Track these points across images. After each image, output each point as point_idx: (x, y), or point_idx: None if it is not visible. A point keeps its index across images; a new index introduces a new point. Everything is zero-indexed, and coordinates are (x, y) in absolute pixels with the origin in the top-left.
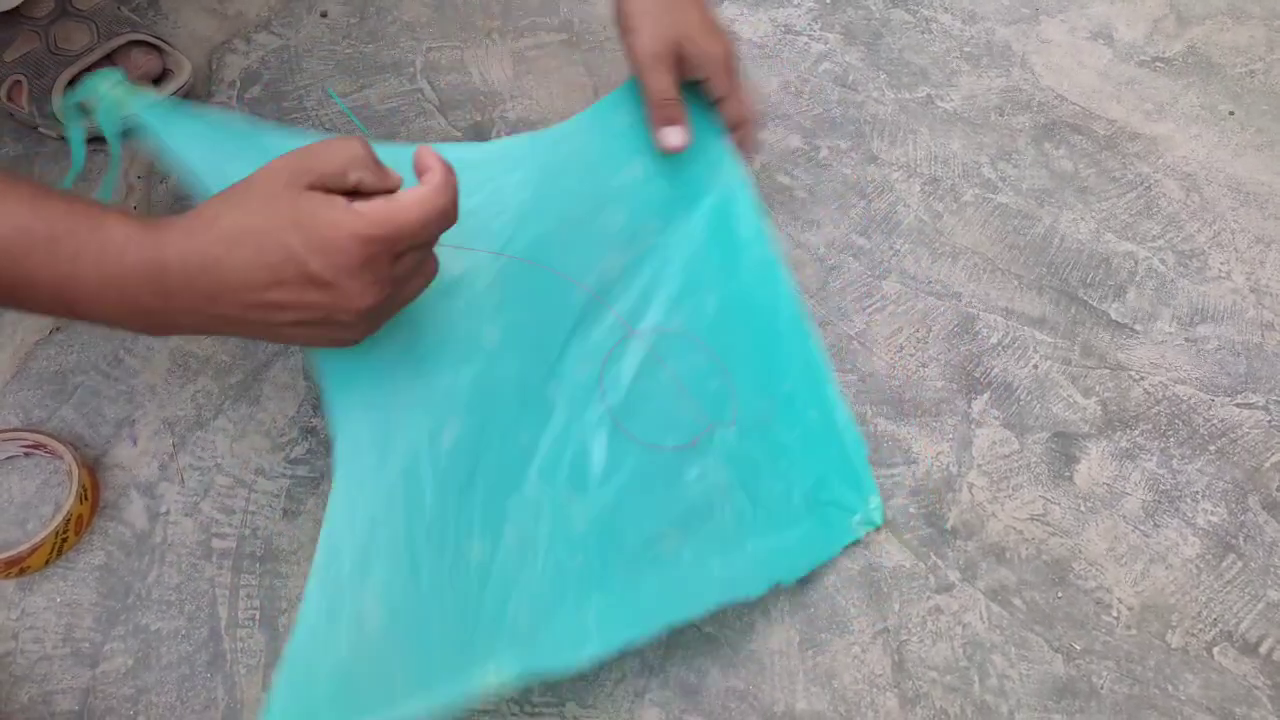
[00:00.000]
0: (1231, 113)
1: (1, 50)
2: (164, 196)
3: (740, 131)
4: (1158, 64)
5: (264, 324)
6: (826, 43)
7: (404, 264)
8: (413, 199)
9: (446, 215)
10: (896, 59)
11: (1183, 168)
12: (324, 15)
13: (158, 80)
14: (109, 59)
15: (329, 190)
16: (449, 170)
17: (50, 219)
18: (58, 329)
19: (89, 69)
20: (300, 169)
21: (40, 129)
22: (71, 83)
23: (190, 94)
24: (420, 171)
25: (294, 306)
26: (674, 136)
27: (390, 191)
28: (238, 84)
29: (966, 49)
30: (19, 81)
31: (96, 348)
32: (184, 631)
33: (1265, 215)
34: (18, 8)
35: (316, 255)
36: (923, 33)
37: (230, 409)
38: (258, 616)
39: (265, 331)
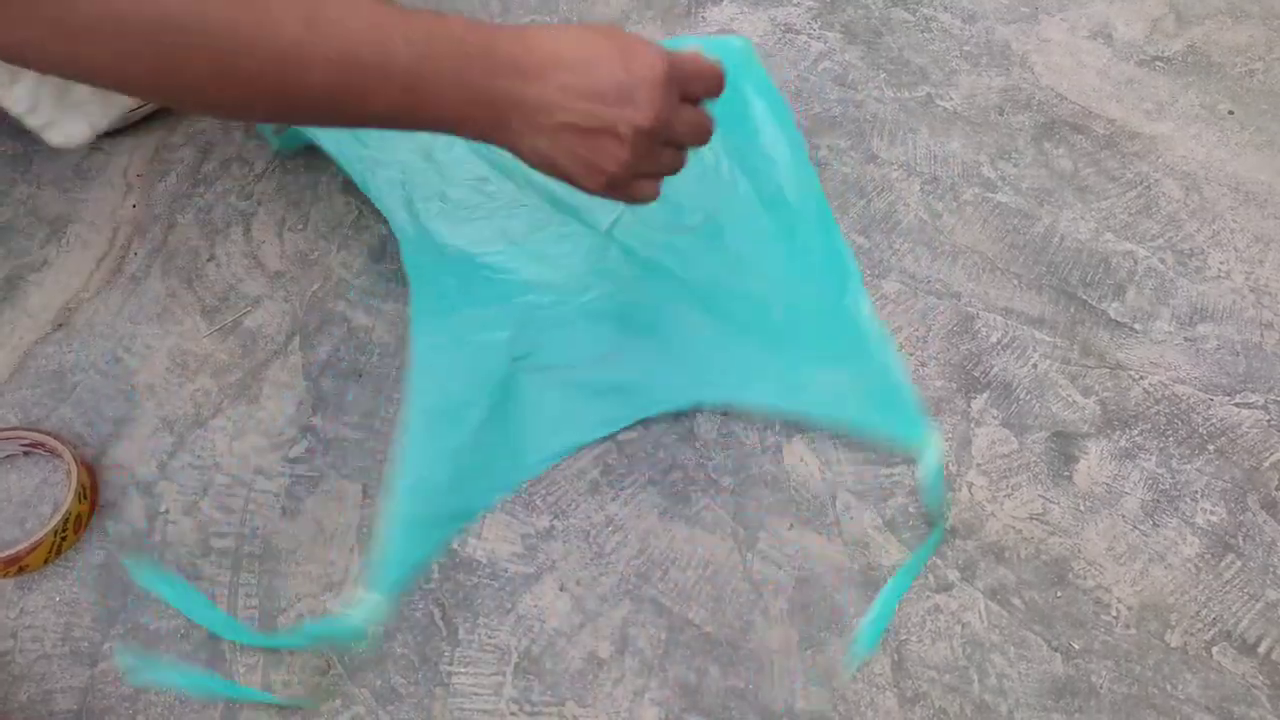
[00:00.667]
0: (1231, 112)
1: None
2: (163, 195)
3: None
4: (1157, 63)
5: (552, 122)
6: (826, 42)
7: (685, 112)
8: (706, 62)
9: (720, 86)
10: (896, 58)
11: (1182, 167)
12: None
13: None
14: None
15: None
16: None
17: (399, 14)
18: (58, 327)
19: None
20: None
21: None
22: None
23: None
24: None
25: (584, 108)
26: None
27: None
28: None
29: (966, 48)
30: None
31: (95, 346)
32: (183, 631)
33: (1265, 214)
34: None
35: (623, 63)
36: (922, 32)
37: (229, 408)
38: (257, 616)
39: (546, 132)
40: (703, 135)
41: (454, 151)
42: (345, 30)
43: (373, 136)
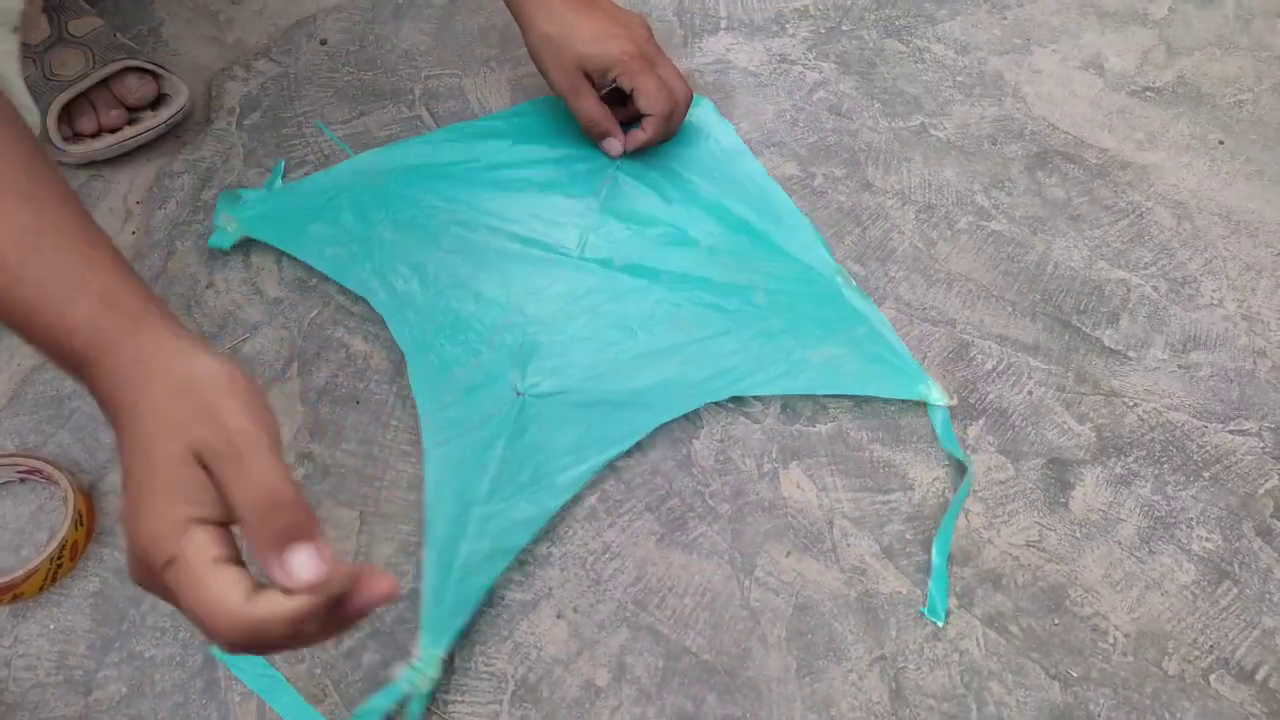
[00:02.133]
0: (1221, 142)
1: None
2: (163, 222)
3: (655, 115)
4: (1148, 94)
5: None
6: (821, 72)
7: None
8: (311, 604)
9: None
10: (890, 88)
11: (1174, 196)
12: (324, 43)
13: (154, 105)
14: (104, 85)
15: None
16: (318, 606)
17: (37, 257)
18: None
19: (84, 94)
20: (213, 477)
21: None
22: (66, 108)
23: (188, 119)
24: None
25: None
26: (612, 148)
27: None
28: (237, 110)
29: (959, 79)
30: None
31: None
32: (178, 659)
33: (1256, 243)
34: None
35: (135, 491)
36: (916, 62)
37: None
38: None
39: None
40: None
41: (415, 218)
42: None
43: (329, 228)
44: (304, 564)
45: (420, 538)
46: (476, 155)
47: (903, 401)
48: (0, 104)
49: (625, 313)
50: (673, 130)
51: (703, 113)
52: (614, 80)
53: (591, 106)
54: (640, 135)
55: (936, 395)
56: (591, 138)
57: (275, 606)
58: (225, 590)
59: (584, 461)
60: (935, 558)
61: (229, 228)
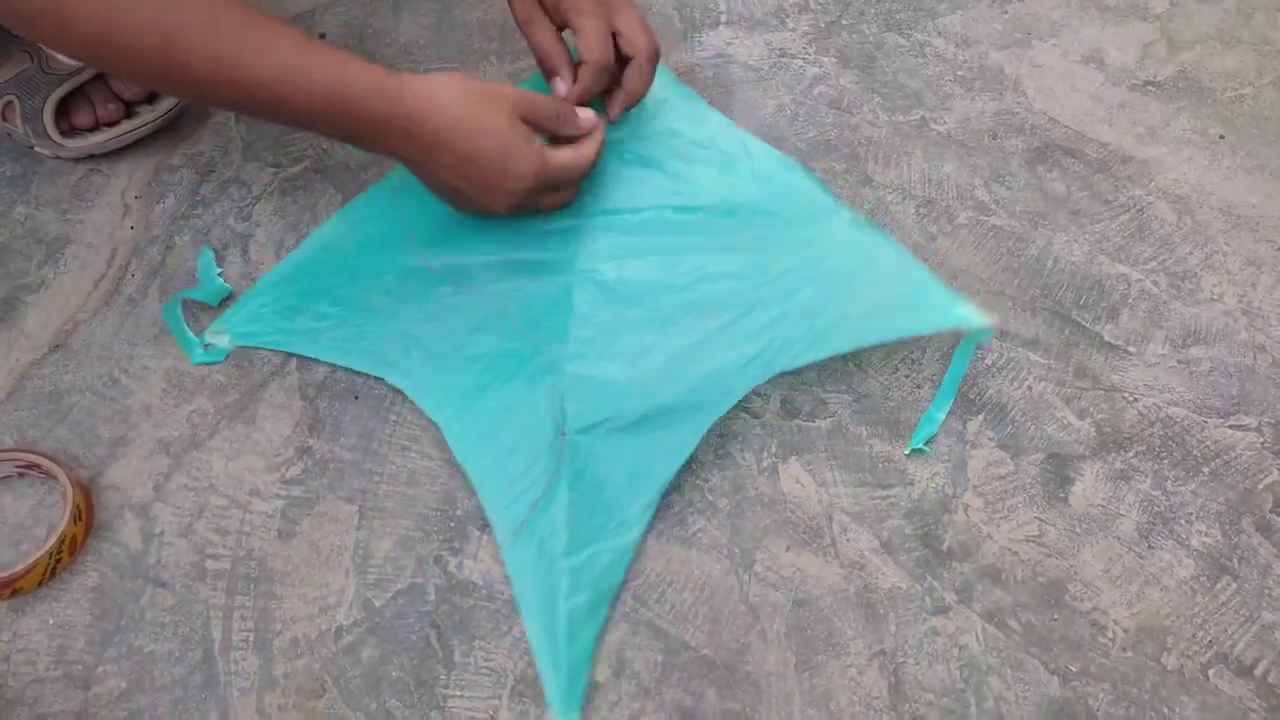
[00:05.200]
0: (1222, 136)
1: None
2: (161, 216)
3: (589, 64)
4: (1149, 88)
5: (433, 177)
6: (821, 66)
7: (549, 196)
8: (575, 157)
9: (590, 168)
10: (890, 82)
11: (1174, 191)
12: (322, 36)
13: (151, 99)
14: (101, 78)
15: (534, 126)
16: (602, 139)
17: (307, 65)
18: (55, 348)
19: (81, 88)
20: (524, 106)
21: (35, 148)
22: (63, 102)
23: (185, 113)
24: (586, 129)
25: (463, 184)
26: (557, 88)
27: (572, 137)
28: None
29: (960, 73)
30: (11, 102)
31: (92, 368)
32: (177, 654)
33: (1256, 238)
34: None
35: (500, 171)
36: (916, 57)
37: (226, 429)
38: (251, 639)
39: (428, 180)
40: (562, 204)
41: (401, 280)
42: (250, 76)
43: (316, 317)
44: (588, 120)
45: (423, 533)
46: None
47: (902, 397)
48: None
49: (646, 316)
50: (636, 90)
51: (660, 83)
52: (565, 16)
53: (543, 40)
54: (575, 89)
55: (978, 317)
56: (544, 75)
57: (588, 147)
58: (568, 152)
59: (650, 485)
60: (935, 401)
61: (220, 343)
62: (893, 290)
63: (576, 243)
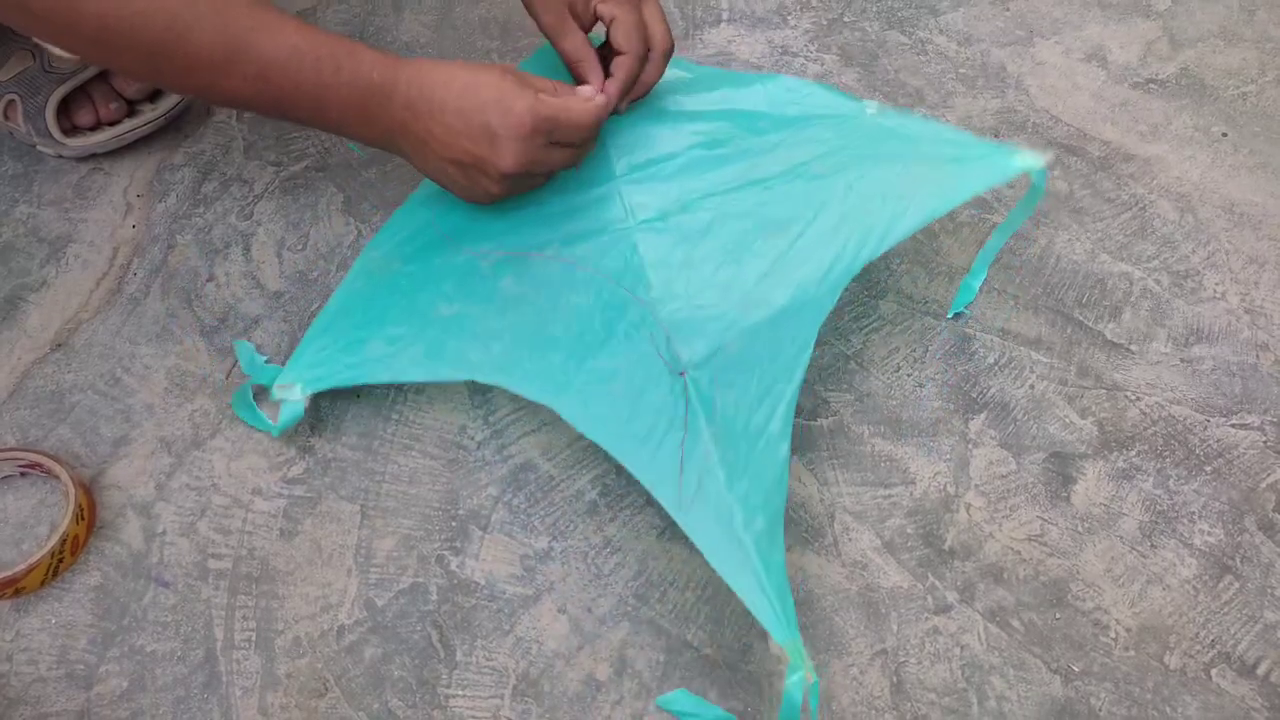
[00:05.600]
0: (1225, 134)
1: None
2: (163, 215)
3: (628, 54)
4: (1151, 86)
5: (436, 153)
6: (823, 64)
7: (552, 151)
8: (580, 104)
9: (596, 126)
10: (893, 80)
11: (1177, 189)
12: None
13: (152, 97)
14: (102, 77)
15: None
16: (612, 98)
17: (315, 43)
18: (57, 347)
19: (82, 87)
20: (519, 73)
21: (38, 147)
22: (65, 101)
23: (187, 111)
24: (591, 88)
25: (464, 146)
26: (586, 92)
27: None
28: None
29: (962, 70)
30: (13, 100)
31: (94, 367)
32: (180, 653)
33: (1259, 236)
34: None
35: (496, 114)
36: (918, 54)
37: (228, 428)
38: (254, 638)
39: (433, 159)
40: (569, 166)
41: (462, 282)
42: (261, 55)
43: (385, 342)
44: (589, 92)
45: (425, 532)
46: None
47: (904, 396)
48: None
49: (716, 249)
50: (649, 81)
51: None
52: (594, 11)
53: (575, 46)
54: (612, 84)
55: (1033, 159)
56: (575, 80)
57: (588, 90)
58: (577, 99)
59: (781, 399)
60: (973, 269)
61: (291, 396)
62: (943, 150)
63: (621, 202)
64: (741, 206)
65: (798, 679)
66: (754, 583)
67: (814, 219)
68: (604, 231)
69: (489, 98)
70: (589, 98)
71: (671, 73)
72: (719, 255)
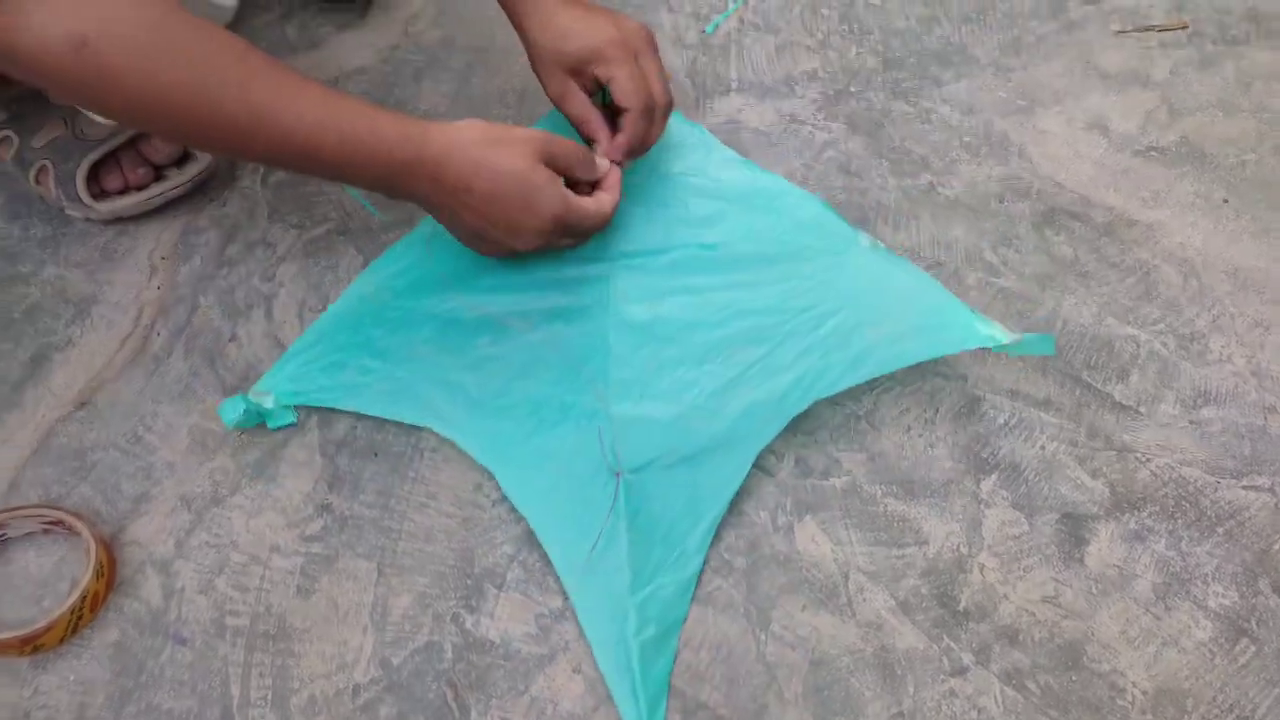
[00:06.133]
0: (1226, 200)
1: (30, 137)
2: (188, 277)
3: (632, 110)
4: (1152, 153)
5: (459, 220)
6: (830, 132)
7: (565, 239)
8: (596, 207)
9: (607, 223)
10: (898, 148)
11: (1180, 254)
12: None
13: (179, 163)
14: (131, 144)
15: (556, 169)
16: (620, 156)
17: (338, 116)
18: (81, 406)
19: (112, 153)
20: (544, 150)
21: (66, 210)
22: (94, 167)
23: (213, 177)
24: (605, 185)
25: (485, 225)
26: (599, 150)
27: (595, 182)
28: (260, 170)
29: (965, 139)
30: (45, 166)
31: (116, 425)
32: (196, 711)
33: (1263, 300)
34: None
35: (520, 209)
36: (923, 123)
37: (247, 486)
38: (270, 696)
39: (456, 224)
40: (573, 245)
41: (442, 330)
42: (282, 126)
43: (358, 371)
44: (604, 165)
45: (440, 590)
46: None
47: (916, 456)
48: (233, 41)
49: (682, 354)
50: (652, 137)
51: (674, 125)
52: (594, 73)
53: (578, 106)
54: (620, 139)
55: (1000, 333)
56: (584, 140)
57: (607, 199)
58: (589, 202)
59: (705, 516)
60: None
61: (266, 403)
62: (918, 311)
63: (608, 287)
64: (718, 316)
65: None
66: (629, 689)
67: (782, 343)
68: (582, 314)
69: (515, 191)
70: (603, 172)
71: (694, 146)
72: (684, 360)
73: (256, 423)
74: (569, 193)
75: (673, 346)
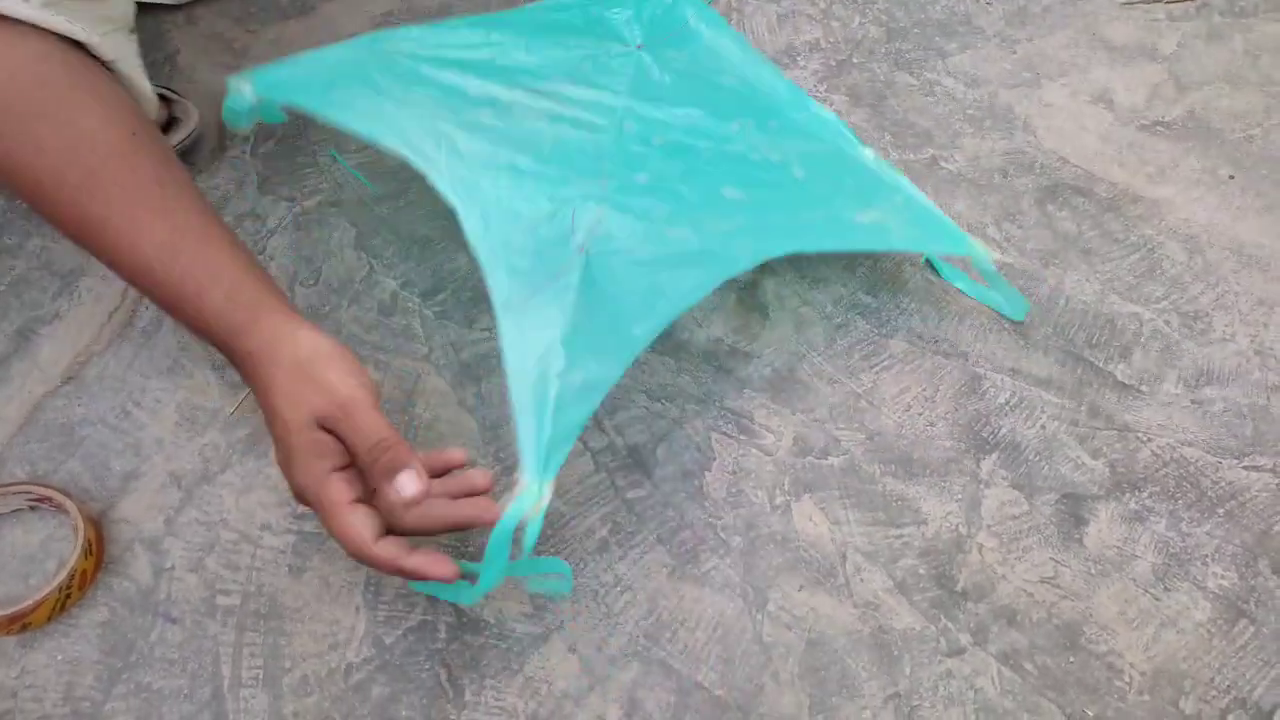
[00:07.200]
0: (1231, 176)
1: None
2: None
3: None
4: (1158, 128)
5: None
6: (833, 104)
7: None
8: (341, 530)
9: (354, 554)
10: (901, 120)
11: (1185, 230)
12: None
13: (165, 129)
14: None
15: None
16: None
17: (174, 264)
18: (68, 380)
19: None
20: (336, 414)
21: None
22: None
23: (199, 142)
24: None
25: (276, 432)
26: (405, 486)
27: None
28: (251, 139)
29: (969, 112)
30: None
31: (105, 400)
32: (186, 691)
33: (1267, 278)
34: None
35: (283, 462)
36: (926, 96)
37: (238, 463)
38: (261, 676)
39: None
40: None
41: (449, 92)
42: (114, 247)
43: (354, 93)
44: (406, 485)
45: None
46: (495, 43)
47: (915, 435)
48: (133, 110)
49: (675, 181)
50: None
51: (700, 9)
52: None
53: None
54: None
55: (981, 251)
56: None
57: (387, 553)
58: (359, 530)
59: (655, 314)
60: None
61: (244, 91)
62: (907, 214)
63: (621, 111)
64: (720, 163)
65: (522, 506)
66: (534, 424)
67: (774, 192)
68: (591, 129)
69: (280, 438)
70: (410, 492)
71: (727, 41)
72: (673, 186)
73: (251, 123)
74: (329, 492)
75: (668, 170)
